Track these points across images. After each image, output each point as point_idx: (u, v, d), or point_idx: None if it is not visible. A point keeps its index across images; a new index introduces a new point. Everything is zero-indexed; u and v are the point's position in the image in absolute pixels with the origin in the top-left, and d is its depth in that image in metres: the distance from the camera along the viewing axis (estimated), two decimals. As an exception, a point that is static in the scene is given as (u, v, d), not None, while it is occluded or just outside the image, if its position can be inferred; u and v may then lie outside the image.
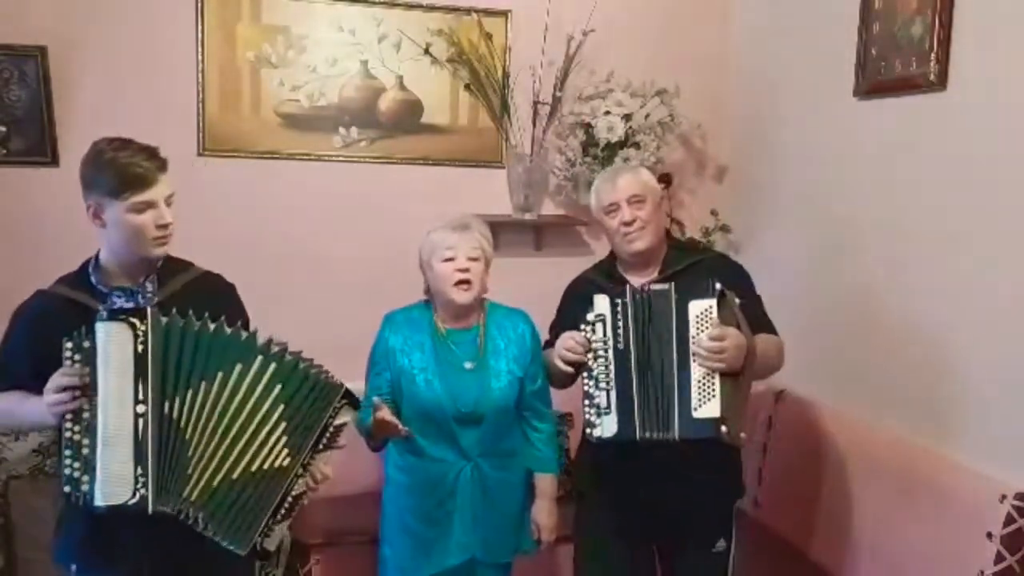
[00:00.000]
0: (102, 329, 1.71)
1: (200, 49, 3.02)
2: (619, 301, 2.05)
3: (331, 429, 1.86)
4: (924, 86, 2.41)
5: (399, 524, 2.30)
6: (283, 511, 1.82)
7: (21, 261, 2.87)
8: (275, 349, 1.84)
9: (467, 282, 2.21)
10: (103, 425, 1.69)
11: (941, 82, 2.35)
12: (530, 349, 2.33)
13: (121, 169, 1.78)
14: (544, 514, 2.37)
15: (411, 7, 3.19)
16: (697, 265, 2.23)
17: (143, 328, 1.72)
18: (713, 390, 1.96)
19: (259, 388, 1.80)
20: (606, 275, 2.30)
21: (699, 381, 1.97)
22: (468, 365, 2.26)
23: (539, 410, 2.37)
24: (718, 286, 2.00)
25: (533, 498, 2.40)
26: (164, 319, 1.75)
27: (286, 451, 1.81)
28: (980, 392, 2.25)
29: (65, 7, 2.90)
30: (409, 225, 3.19)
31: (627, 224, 2.21)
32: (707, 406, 1.96)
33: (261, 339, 1.84)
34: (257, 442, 1.80)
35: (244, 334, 1.83)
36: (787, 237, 3.07)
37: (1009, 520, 2.04)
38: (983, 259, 2.24)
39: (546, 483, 2.39)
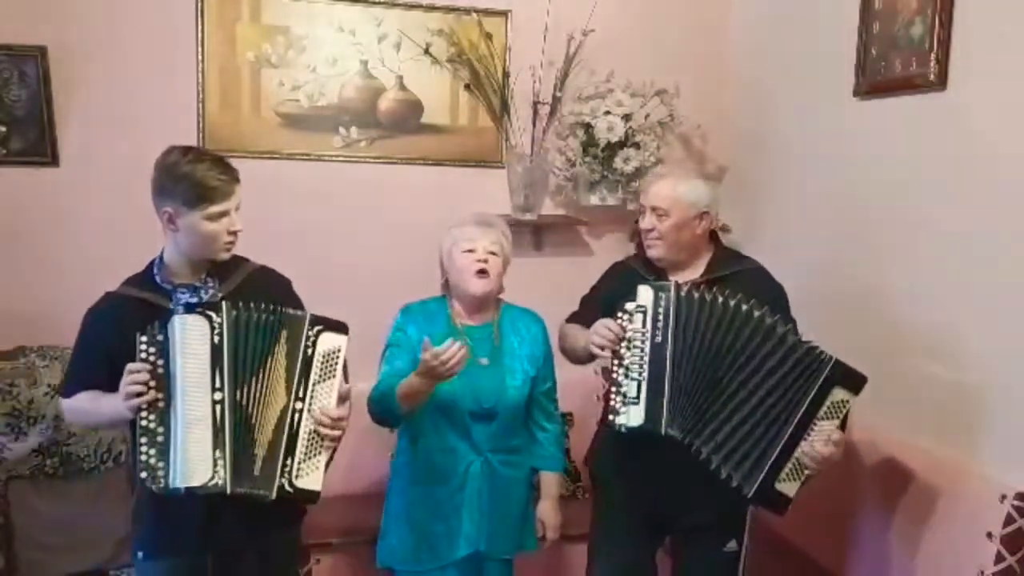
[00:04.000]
0: (180, 322, 1.81)
1: (200, 49, 3.02)
2: (662, 295, 2.05)
3: (318, 358, 1.91)
4: (924, 86, 2.41)
5: (405, 517, 2.31)
6: (301, 449, 1.88)
7: (21, 261, 2.87)
8: (282, 316, 1.92)
9: (484, 272, 2.24)
10: (183, 411, 1.80)
11: (941, 82, 2.35)
12: (542, 350, 2.37)
13: (199, 183, 1.86)
14: (550, 512, 2.41)
15: (411, 7, 3.19)
16: (738, 275, 2.20)
17: (219, 320, 1.83)
18: (802, 473, 2.00)
19: (286, 359, 1.90)
20: (647, 265, 2.28)
21: (797, 459, 1.99)
22: (483, 361, 2.28)
23: (548, 410, 2.41)
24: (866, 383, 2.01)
25: (536, 496, 2.42)
26: (234, 311, 1.85)
27: (284, 392, 1.90)
28: (982, 392, 2.25)
29: (65, 7, 2.90)
30: (409, 225, 3.21)
31: (646, 230, 2.23)
32: (789, 484, 2.00)
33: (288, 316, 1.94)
34: (281, 403, 1.89)
35: (275, 315, 1.90)
36: (787, 237, 3.07)
37: (1009, 520, 2.04)
38: (982, 259, 2.24)
39: (552, 482, 2.43)
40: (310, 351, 1.91)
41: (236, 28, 3.06)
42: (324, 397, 1.92)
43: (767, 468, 1.99)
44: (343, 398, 1.95)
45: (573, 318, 2.40)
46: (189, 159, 1.88)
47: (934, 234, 2.41)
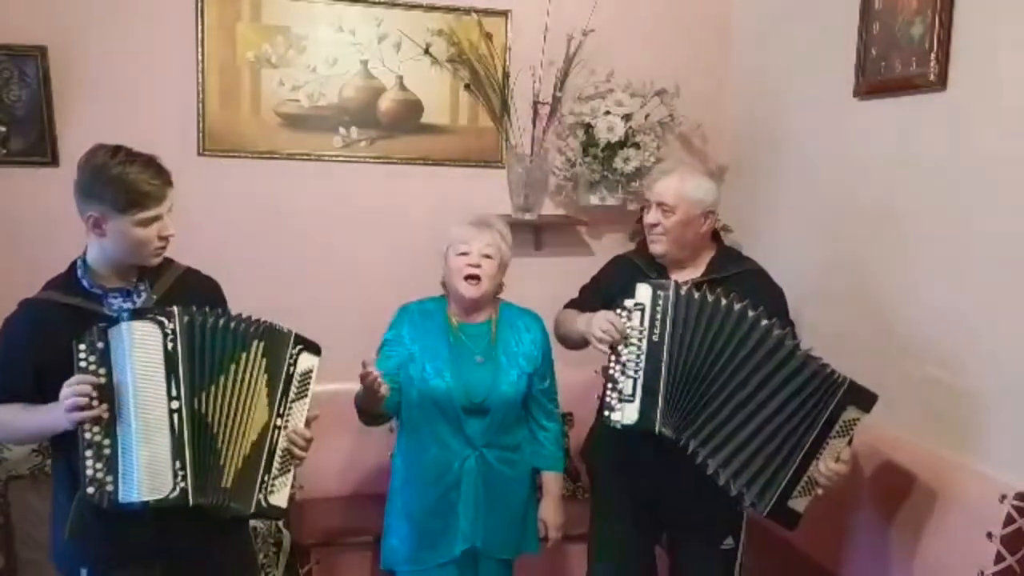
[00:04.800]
0: (127, 329, 1.71)
1: (200, 49, 3.02)
2: (661, 294, 2.04)
3: (296, 377, 1.88)
4: (924, 86, 2.41)
5: (405, 516, 2.32)
6: (276, 466, 1.85)
7: (21, 261, 2.87)
8: (262, 329, 1.87)
9: (475, 277, 2.24)
10: (137, 422, 1.70)
11: (941, 82, 2.35)
12: (541, 349, 2.37)
13: (130, 187, 1.76)
14: (551, 512, 2.41)
15: (411, 7, 3.19)
16: (738, 276, 2.20)
17: (171, 326, 1.74)
18: (813, 489, 2.02)
19: (257, 369, 1.84)
20: (649, 261, 2.29)
21: (810, 477, 2.01)
22: (479, 359, 2.30)
23: (547, 408, 2.42)
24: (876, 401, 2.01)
25: (537, 497, 2.42)
26: (186, 316, 1.76)
27: (266, 409, 1.85)
28: (981, 392, 2.25)
29: (65, 7, 2.90)
30: (409, 225, 3.22)
31: (651, 225, 2.22)
32: (800, 500, 2.02)
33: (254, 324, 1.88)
34: (255, 416, 1.84)
35: (243, 324, 1.85)
36: (786, 237, 3.07)
37: (1009, 520, 2.04)
38: (983, 259, 2.24)
39: (553, 481, 2.43)
40: (291, 369, 1.87)
41: (236, 28, 3.06)
42: (298, 416, 1.89)
43: (781, 487, 2.00)
44: (309, 421, 1.92)
45: (571, 305, 2.41)
46: (119, 160, 1.77)
47: (933, 234, 2.40)
